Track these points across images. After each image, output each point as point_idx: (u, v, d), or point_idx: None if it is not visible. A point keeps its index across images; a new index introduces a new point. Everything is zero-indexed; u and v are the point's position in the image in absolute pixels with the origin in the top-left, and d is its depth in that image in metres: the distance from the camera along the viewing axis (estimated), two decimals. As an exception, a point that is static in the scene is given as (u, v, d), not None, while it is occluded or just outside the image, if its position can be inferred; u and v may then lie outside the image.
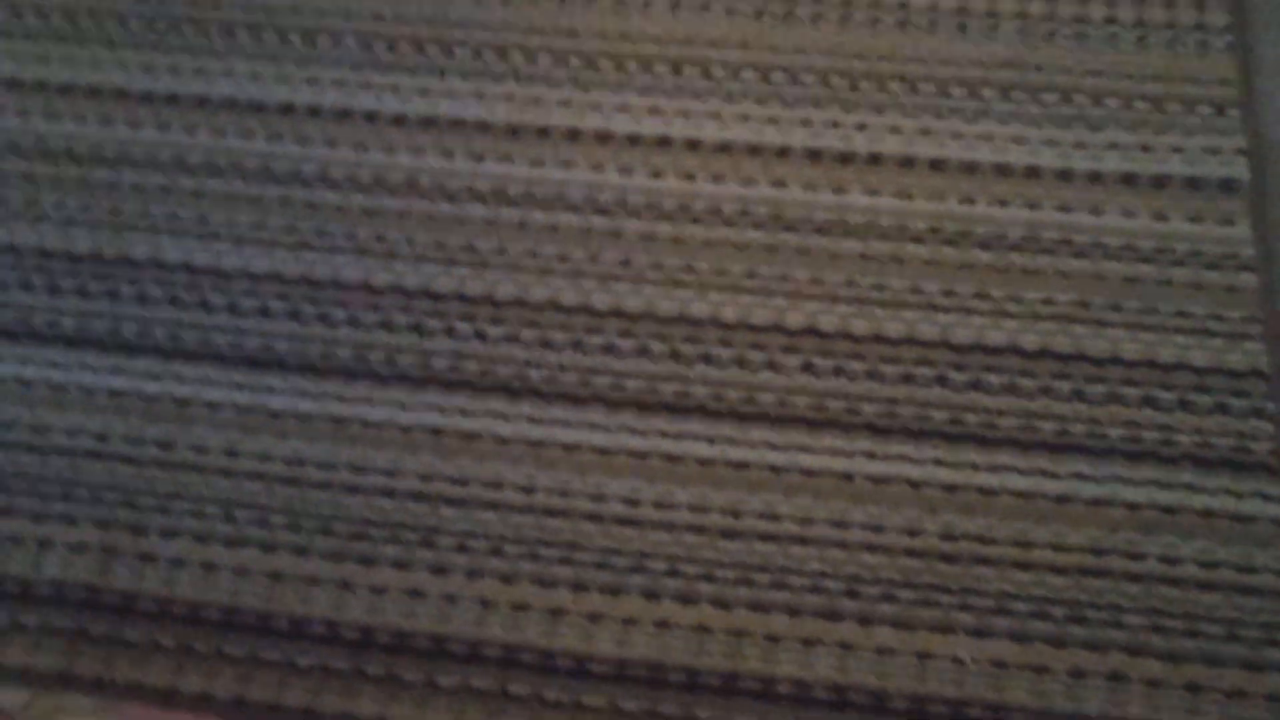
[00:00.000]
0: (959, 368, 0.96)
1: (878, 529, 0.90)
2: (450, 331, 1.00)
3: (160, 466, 0.96)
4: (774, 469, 0.93)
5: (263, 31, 1.15)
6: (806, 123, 1.07)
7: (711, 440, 0.94)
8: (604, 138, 1.08)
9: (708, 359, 0.98)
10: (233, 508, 0.94)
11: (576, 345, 0.99)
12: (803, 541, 0.90)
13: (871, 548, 0.89)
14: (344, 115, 1.10)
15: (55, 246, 1.06)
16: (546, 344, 0.99)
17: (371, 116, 1.10)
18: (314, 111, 1.11)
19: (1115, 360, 0.96)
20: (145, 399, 0.99)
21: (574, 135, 1.08)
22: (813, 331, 0.98)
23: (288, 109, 1.11)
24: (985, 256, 1.01)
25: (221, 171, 1.08)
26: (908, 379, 0.96)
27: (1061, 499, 0.91)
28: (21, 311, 1.03)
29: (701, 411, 0.96)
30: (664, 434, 0.95)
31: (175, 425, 0.98)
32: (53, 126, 1.11)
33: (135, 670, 0.87)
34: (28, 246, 1.06)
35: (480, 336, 1.00)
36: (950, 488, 0.92)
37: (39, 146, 1.11)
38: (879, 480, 0.92)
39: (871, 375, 0.96)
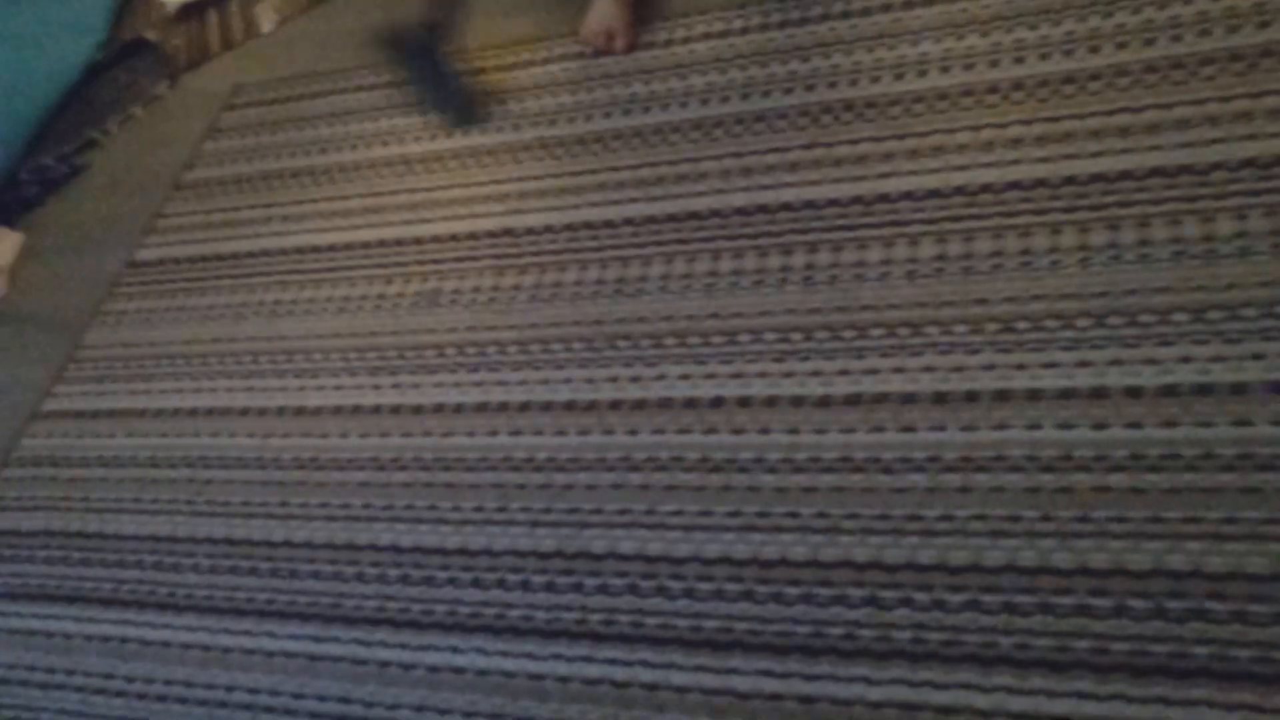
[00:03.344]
0: None
1: None
2: (908, 602, 0.99)
3: (636, 753, 0.98)
4: (1313, 737, 0.82)
5: (687, 337, 1.27)
6: (1259, 356, 1.02)
7: (1229, 708, 0.85)
8: (1035, 396, 1.07)
9: (1201, 615, 0.90)
10: (710, 795, 0.93)
11: (1046, 608, 0.94)
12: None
13: None
14: (771, 403, 1.17)
15: (524, 547, 1.17)
16: (1012, 609, 0.95)
17: (798, 401, 1.16)
18: (743, 403, 1.18)
19: None
20: (616, 685, 1.03)
21: (1004, 396, 1.08)
22: (1322, 577, 0.89)
23: (718, 403, 1.20)
24: None
25: (665, 466, 1.17)
26: None
27: None
28: (500, 608, 1.13)
29: (1208, 674, 0.87)
30: (1166, 701, 0.87)
31: (645, 711, 1.00)
32: (517, 440, 1.26)
33: None
34: (500, 549, 1.17)
35: (940, 606, 0.98)
36: None
37: (505, 458, 1.24)
38: None
39: None
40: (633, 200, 1.42)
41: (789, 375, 1.19)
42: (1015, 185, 1.22)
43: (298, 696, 1.15)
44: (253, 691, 1.17)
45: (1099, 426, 1.03)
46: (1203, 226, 1.12)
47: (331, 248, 1.58)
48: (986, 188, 1.23)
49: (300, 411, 1.40)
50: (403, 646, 1.14)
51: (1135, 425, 1.02)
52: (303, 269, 1.58)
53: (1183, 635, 0.90)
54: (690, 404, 1.21)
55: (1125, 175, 1.18)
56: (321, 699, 1.14)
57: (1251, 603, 0.90)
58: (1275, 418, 0.98)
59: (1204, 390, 1.02)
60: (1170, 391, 1.03)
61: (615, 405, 1.24)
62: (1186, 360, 1.04)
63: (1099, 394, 1.05)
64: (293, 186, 1.70)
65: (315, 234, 1.61)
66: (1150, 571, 0.94)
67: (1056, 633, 0.93)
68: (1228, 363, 1.02)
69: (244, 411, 1.44)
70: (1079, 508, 0.99)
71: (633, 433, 1.21)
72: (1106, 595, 0.93)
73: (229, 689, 1.18)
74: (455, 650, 1.12)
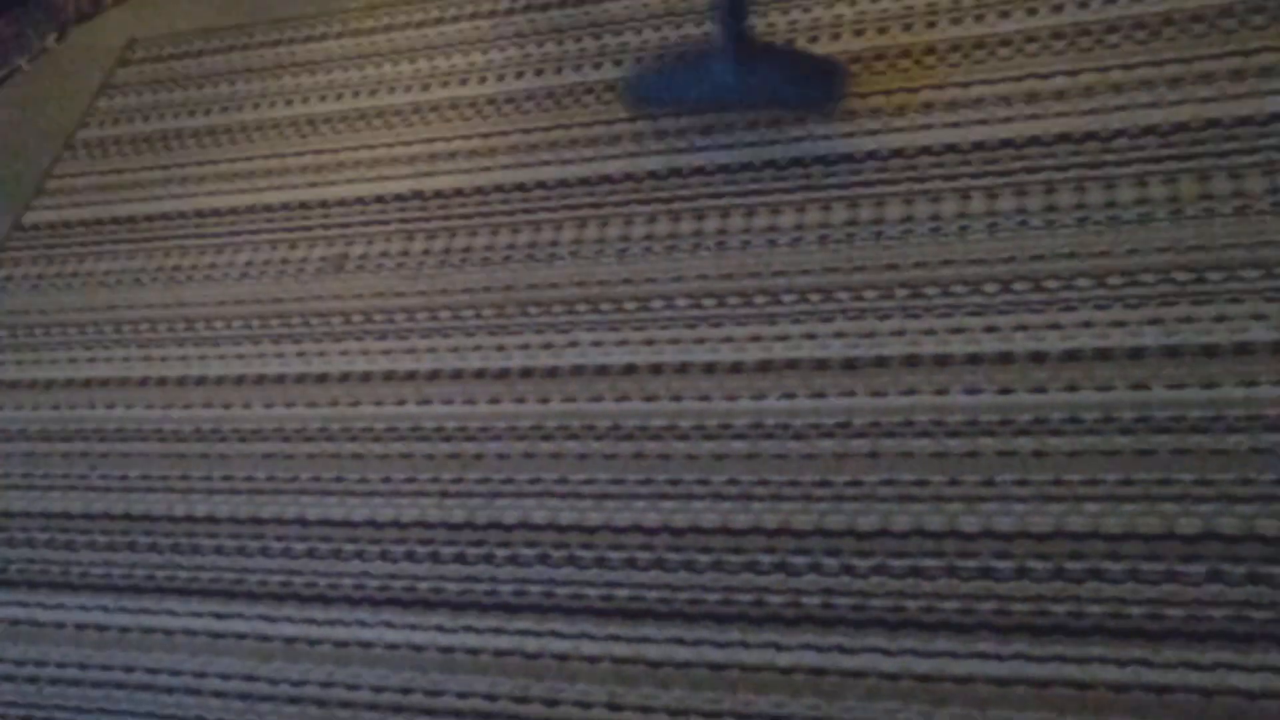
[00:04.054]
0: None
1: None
2: (817, 568, 0.99)
3: (547, 724, 0.97)
4: (1203, 692, 0.84)
5: (600, 303, 1.25)
6: (1157, 321, 1.04)
7: (1121, 663, 0.87)
8: (943, 361, 1.08)
9: (1098, 575, 0.92)
10: (621, 763, 0.93)
11: (951, 571, 0.96)
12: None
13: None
14: (683, 370, 1.16)
15: (434, 518, 1.15)
16: (919, 573, 0.96)
17: (710, 368, 1.15)
18: (656, 370, 1.17)
19: None
20: (527, 656, 1.02)
21: (912, 362, 1.09)
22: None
23: (630, 370, 1.18)
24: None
25: (577, 434, 1.15)
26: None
27: None
28: (408, 580, 1.11)
29: (1103, 631, 0.89)
30: (1064, 659, 0.89)
31: (557, 681, 1.00)
32: (426, 409, 1.23)
33: None
34: (409, 520, 1.15)
35: (849, 571, 0.98)
36: None
37: (414, 428, 1.22)
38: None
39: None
40: (544, 163, 1.40)
41: (701, 341, 1.18)
42: (926, 150, 1.22)
43: (200, 676, 1.11)
44: (152, 672, 1.13)
45: (1004, 391, 1.04)
46: (1106, 192, 1.13)
47: (233, 211, 1.53)
48: (898, 153, 1.23)
49: (201, 381, 1.36)
50: (309, 622, 1.12)
51: (1039, 390, 1.03)
52: (203, 233, 1.52)
53: (1080, 595, 0.91)
54: (602, 371, 1.19)
55: (1033, 141, 1.19)
56: (225, 678, 1.11)
57: (1144, 561, 0.92)
58: (1171, 381, 1.00)
59: (1104, 355, 1.04)
60: (1073, 356, 1.04)
61: (526, 373, 1.22)
62: (1088, 325, 1.06)
63: (1005, 359, 1.06)
64: (192, 146, 1.64)
65: (216, 196, 1.56)
66: (1051, 533, 0.95)
67: (961, 595, 0.94)
68: (1127, 327, 1.04)
69: (142, 382, 1.39)
70: (984, 471, 1.00)
71: (544, 401, 1.19)
72: (1009, 558, 0.95)
73: (127, 669, 1.14)
74: (363, 624, 1.10)
